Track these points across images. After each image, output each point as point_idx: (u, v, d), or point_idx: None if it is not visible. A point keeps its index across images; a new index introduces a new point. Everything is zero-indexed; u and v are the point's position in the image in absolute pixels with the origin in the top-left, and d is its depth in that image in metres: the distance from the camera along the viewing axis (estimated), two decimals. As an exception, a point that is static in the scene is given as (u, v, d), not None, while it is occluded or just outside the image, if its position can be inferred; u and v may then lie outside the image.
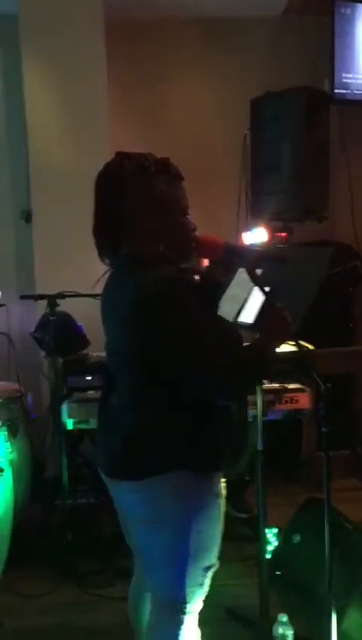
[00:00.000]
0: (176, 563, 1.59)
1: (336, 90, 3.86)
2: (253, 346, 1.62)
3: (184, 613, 1.63)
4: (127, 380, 1.59)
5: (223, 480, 1.64)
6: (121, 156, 1.57)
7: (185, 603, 1.62)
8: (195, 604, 1.65)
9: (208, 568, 1.63)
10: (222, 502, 1.64)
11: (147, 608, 1.79)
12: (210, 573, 1.64)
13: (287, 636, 2.04)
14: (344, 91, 3.89)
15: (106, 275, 1.65)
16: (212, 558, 1.63)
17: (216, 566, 1.66)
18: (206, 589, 1.65)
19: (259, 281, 1.63)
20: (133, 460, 1.57)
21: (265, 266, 1.66)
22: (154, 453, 1.54)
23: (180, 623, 1.63)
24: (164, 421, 1.54)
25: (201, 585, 1.63)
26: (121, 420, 1.61)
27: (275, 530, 2.67)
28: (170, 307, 1.45)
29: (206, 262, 2.38)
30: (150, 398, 1.55)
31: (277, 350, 1.62)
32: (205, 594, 1.66)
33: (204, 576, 1.62)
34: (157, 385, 1.53)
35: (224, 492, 1.64)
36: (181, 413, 1.54)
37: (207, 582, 1.64)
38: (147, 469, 1.54)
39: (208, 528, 1.60)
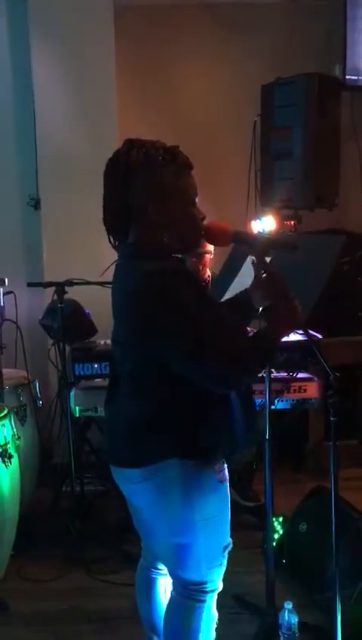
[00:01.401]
0: (191, 548, 1.61)
1: (348, 77, 3.81)
2: (259, 334, 1.61)
3: (206, 592, 1.66)
4: (129, 369, 1.61)
5: (224, 464, 1.66)
6: (129, 144, 1.56)
7: (206, 582, 1.66)
8: (216, 582, 1.68)
9: (225, 548, 1.68)
10: (226, 486, 1.66)
11: (156, 591, 1.82)
12: (226, 552, 1.69)
13: (293, 624, 2.05)
14: (355, 77, 3.84)
15: (115, 264, 1.66)
16: (226, 538, 1.68)
17: (231, 545, 1.71)
18: (224, 565, 1.69)
19: (267, 269, 1.62)
20: (133, 447, 1.60)
21: (274, 254, 1.64)
22: (154, 442, 1.56)
23: (201, 602, 1.66)
24: (163, 410, 1.56)
25: (221, 565, 1.68)
26: (123, 408, 1.63)
27: (281, 519, 2.67)
28: (164, 298, 1.46)
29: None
30: (150, 387, 1.56)
31: (286, 339, 1.61)
32: (223, 571, 1.70)
33: (223, 555, 1.68)
34: (157, 374, 1.54)
35: (227, 476, 1.66)
36: (181, 401, 1.55)
37: (225, 560, 1.69)
38: (147, 456, 1.57)
39: (216, 512, 1.62)
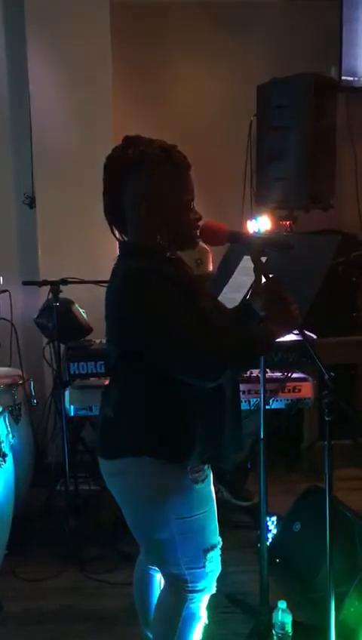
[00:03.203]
0: (166, 546, 1.61)
1: (343, 77, 3.81)
2: (253, 334, 1.61)
3: (189, 591, 1.65)
4: (113, 366, 1.63)
5: (204, 466, 1.63)
6: (127, 142, 1.56)
7: (188, 582, 1.64)
8: (201, 584, 1.66)
9: (206, 550, 1.64)
10: (204, 486, 1.63)
11: (152, 587, 1.83)
12: (211, 555, 1.65)
13: (287, 623, 2.05)
14: (351, 78, 3.85)
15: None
16: (206, 540, 1.64)
17: (218, 546, 1.68)
18: (211, 569, 1.66)
19: (263, 269, 1.62)
20: (109, 440, 1.63)
21: (270, 254, 1.64)
22: (127, 437, 1.57)
23: (185, 600, 1.65)
24: (140, 407, 1.57)
25: (202, 566, 1.64)
26: (108, 402, 1.65)
27: (275, 519, 2.68)
28: (137, 297, 1.47)
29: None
30: (130, 383, 1.58)
31: (280, 339, 1.61)
32: (215, 573, 1.68)
33: (203, 557, 1.63)
34: (136, 371, 1.56)
35: (204, 477, 1.63)
36: (158, 401, 1.55)
37: (211, 563, 1.65)
38: (120, 450, 1.58)
39: (190, 513, 1.60)
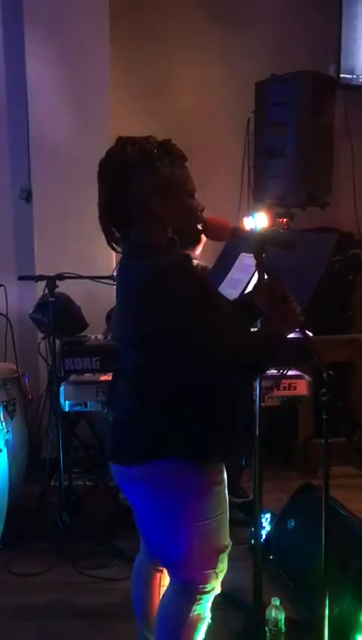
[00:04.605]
0: (183, 549, 1.61)
1: (342, 75, 3.81)
2: (259, 333, 1.63)
3: (199, 592, 1.65)
4: (131, 367, 1.60)
5: (223, 468, 1.64)
6: (122, 142, 1.55)
7: (199, 584, 1.65)
8: (210, 585, 1.66)
9: (219, 551, 1.65)
10: (223, 489, 1.64)
11: (152, 586, 1.82)
12: (223, 555, 1.67)
13: (280, 620, 2.05)
14: (350, 76, 3.85)
15: (118, 263, 1.66)
16: (220, 541, 1.66)
17: (229, 547, 1.69)
18: (221, 569, 1.67)
19: (265, 267, 1.62)
20: (130, 445, 1.59)
21: (270, 251, 1.64)
22: (151, 440, 1.55)
23: (193, 601, 1.66)
24: (163, 409, 1.55)
25: (214, 567, 1.65)
26: (124, 405, 1.63)
27: (269, 515, 2.68)
28: (168, 294, 1.45)
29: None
30: (151, 385, 1.55)
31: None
32: (223, 573, 1.69)
33: (217, 559, 1.65)
34: (158, 373, 1.53)
35: (225, 478, 1.65)
36: (180, 402, 1.54)
37: (222, 564, 1.67)
38: (143, 454, 1.56)
39: (209, 516, 1.60)
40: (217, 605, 1.75)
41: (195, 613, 1.66)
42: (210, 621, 1.73)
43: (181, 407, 1.54)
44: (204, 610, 1.68)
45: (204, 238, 1.67)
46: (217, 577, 1.67)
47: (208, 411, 1.56)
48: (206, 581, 1.65)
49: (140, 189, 1.52)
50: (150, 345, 1.51)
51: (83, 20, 3.51)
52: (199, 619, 1.68)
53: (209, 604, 1.70)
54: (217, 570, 1.66)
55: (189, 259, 1.59)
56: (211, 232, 1.64)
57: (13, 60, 3.66)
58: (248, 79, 3.71)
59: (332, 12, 3.82)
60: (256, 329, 1.71)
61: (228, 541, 1.69)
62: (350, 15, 3.81)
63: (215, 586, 1.68)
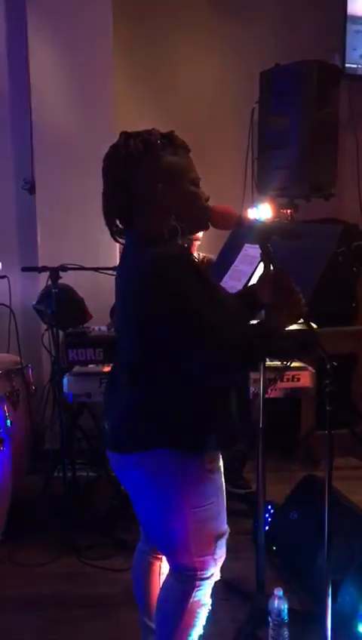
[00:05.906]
0: (180, 535, 1.62)
1: (347, 65, 3.78)
2: (261, 324, 1.62)
3: (198, 578, 1.66)
4: (130, 358, 1.61)
5: (218, 455, 1.65)
6: (125, 135, 1.56)
7: (197, 570, 1.66)
8: (209, 571, 1.68)
9: (217, 537, 1.66)
10: (219, 476, 1.65)
11: (152, 575, 1.83)
12: (221, 542, 1.68)
13: (283, 610, 2.06)
14: (355, 66, 3.82)
15: (121, 253, 1.65)
16: (218, 527, 1.66)
17: (227, 533, 1.70)
18: (220, 555, 1.69)
19: (271, 256, 1.61)
20: (126, 434, 1.61)
21: (275, 241, 1.64)
22: (147, 429, 1.57)
23: (193, 588, 1.67)
24: (158, 399, 1.56)
25: (213, 553, 1.66)
26: (121, 395, 1.64)
27: (271, 506, 2.69)
28: (168, 286, 1.45)
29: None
30: (148, 376, 1.56)
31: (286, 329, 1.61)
32: (222, 559, 1.70)
33: (214, 545, 1.66)
34: (155, 363, 1.54)
35: (218, 466, 1.65)
36: (176, 392, 1.55)
37: (220, 550, 1.68)
38: (138, 443, 1.57)
39: (205, 502, 1.62)
40: (220, 595, 1.76)
41: (195, 599, 1.67)
42: (210, 607, 1.74)
43: (175, 398, 1.55)
44: (203, 596, 1.69)
45: (200, 234, 1.67)
46: (216, 563, 1.68)
47: (204, 400, 1.56)
48: (204, 567, 1.66)
49: (144, 177, 1.53)
50: (148, 335, 1.51)
51: (86, 13, 3.49)
52: (199, 605, 1.69)
53: (209, 590, 1.71)
54: (215, 557, 1.67)
55: (189, 251, 1.58)
56: (217, 220, 1.63)
57: (16, 51, 3.64)
58: (252, 68, 3.68)
59: (337, 1, 3.78)
60: (258, 320, 1.71)
61: (225, 527, 1.70)
62: (355, 4, 3.76)
63: (214, 573, 1.69)
